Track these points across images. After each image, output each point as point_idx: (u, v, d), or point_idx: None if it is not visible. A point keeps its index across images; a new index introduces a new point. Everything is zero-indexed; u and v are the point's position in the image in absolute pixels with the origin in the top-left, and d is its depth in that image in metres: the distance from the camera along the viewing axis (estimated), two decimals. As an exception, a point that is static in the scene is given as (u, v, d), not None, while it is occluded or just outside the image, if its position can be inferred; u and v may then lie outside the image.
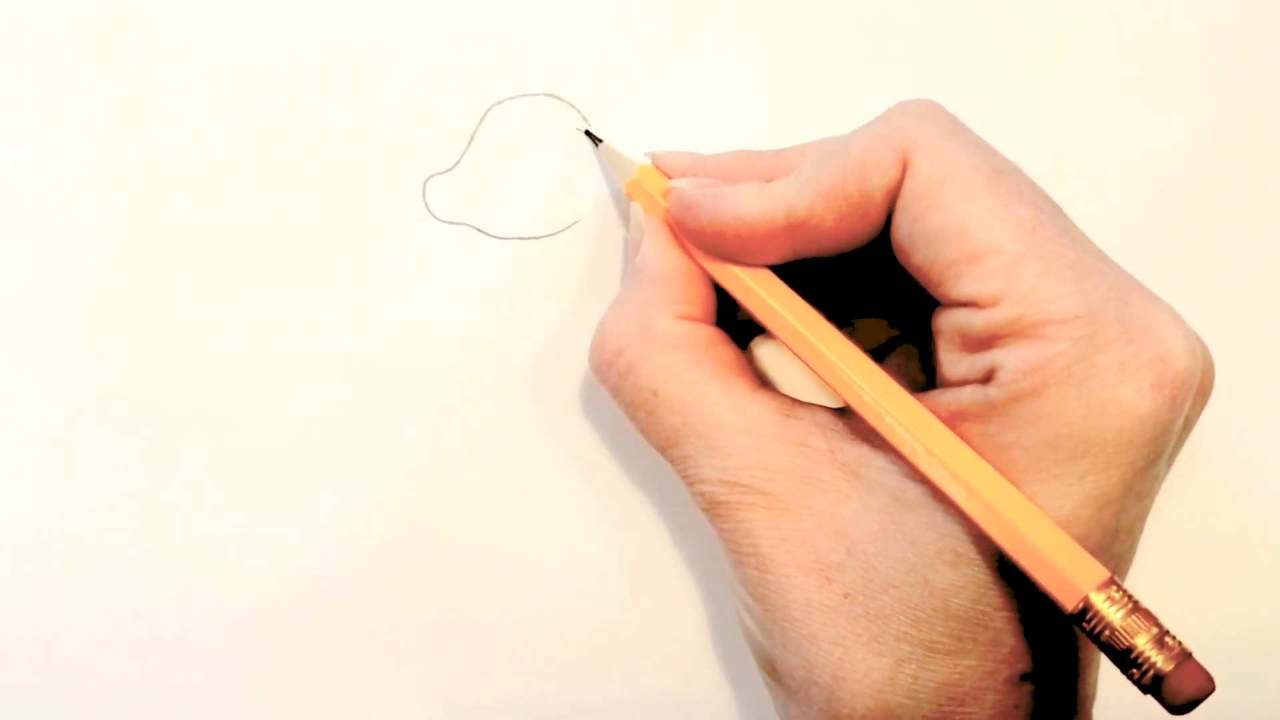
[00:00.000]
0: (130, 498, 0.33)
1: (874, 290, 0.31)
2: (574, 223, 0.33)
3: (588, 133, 0.33)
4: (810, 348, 0.27)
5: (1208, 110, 0.35)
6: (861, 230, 0.26)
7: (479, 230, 0.33)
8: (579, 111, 0.33)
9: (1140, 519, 0.26)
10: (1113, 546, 0.25)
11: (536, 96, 0.33)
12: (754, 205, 0.27)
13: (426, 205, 0.33)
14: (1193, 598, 0.35)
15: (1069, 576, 0.23)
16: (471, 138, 0.33)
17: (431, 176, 0.33)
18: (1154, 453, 0.24)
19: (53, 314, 0.32)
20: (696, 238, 0.29)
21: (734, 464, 0.27)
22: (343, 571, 0.34)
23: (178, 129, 0.32)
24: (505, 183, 0.33)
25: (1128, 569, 0.26)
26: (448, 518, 0.34)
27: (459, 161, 0.33)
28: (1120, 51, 0.34)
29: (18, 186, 0.32)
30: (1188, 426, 0.26)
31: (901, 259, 0.26)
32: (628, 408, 0.29)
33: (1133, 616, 0.22)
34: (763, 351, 0.30)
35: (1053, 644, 0.26)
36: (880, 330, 0.32)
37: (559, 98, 0.33)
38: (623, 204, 0.33)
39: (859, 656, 0.25)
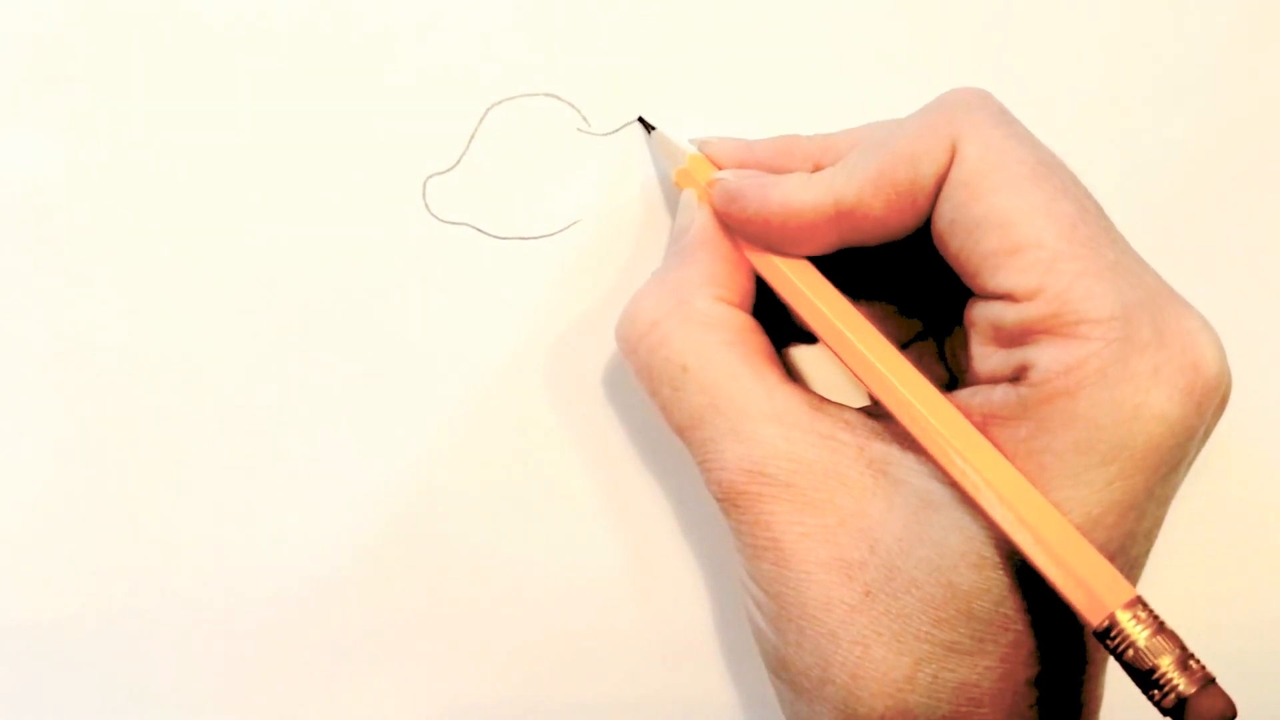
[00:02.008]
0: (131, 498, 0.33)
1: (899, 282, 0.30)
2: (574, 223, 0.33)
3: (641, 119, 0.32)
4: (848, 345, 0.27)
5: (1206, 111, 0.34)
6: (909, 218, 0.26)
7: (479, 230, 0.33)
8: (579, 111, 0.33)
9: (1158, 524, 0.25)
10: (1130, 550, 0.25)
11: (536, 96, 0.32)
12: (801, 194, 0.27)
13: (426, 205, 0.32)
14: (1195, 596, 0.35)
15: (1096, 593, 0.23)
16: (471, 138, 0.32)
17: (431, 176, 0.32)
18: (1178, 459, 0.24)
19: (54, 314, 0.32)
20: (743, 227, 0.28)
21: (759, 452, 0.26)
22: (343, 571, 0.34)
23: (177, 129, 0.32)
24: (505, 183, 0.33)
25: (1140, 572, 0.26)
26: (446, 516, 0.34)
27: (459, 161, 0.32)
28: (1118, 51, 0.34)
29: (18, 186, 0.31)
30: (1207, 433, 0.25)
31: (939, 246, 0.26)
32: (653, 383, 0.28)
33: (1158, 637, 0.22)
34: (796, 352, 0.29)
35: (1065, 646, 0.26)
36: (902, 324, 0.31)
37: (559, 97, 0.32)
38: (670, 191, 0.33)
39: (879, 655, 0.25)
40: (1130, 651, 0.22)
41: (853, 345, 0.26)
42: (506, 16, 0.32)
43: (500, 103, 0.32)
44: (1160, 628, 0.22)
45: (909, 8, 0.33)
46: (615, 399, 0.34)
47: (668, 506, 0.34)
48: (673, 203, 0.33)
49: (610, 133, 0.33)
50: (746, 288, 0.29)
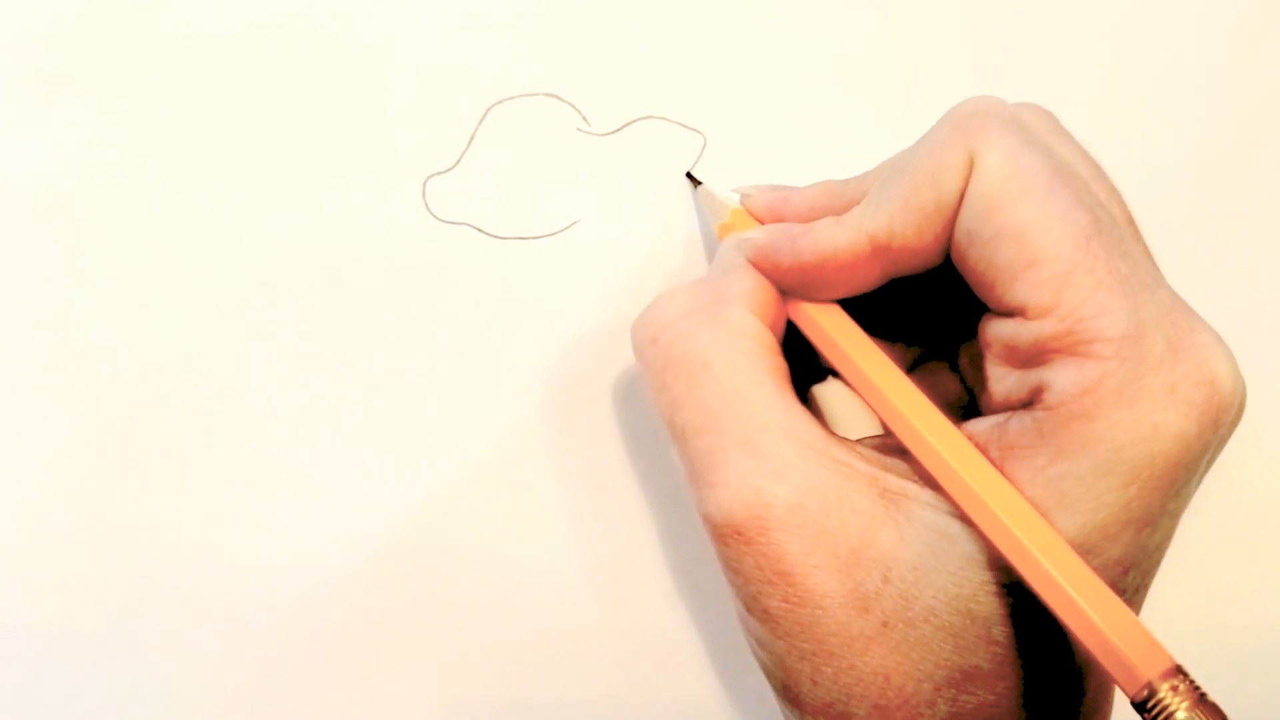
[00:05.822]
0: (131, 499, 0.32)
1: (916, 296, 0.29)
2: (574, 223, 0.32)
3: (689, 175, 0.32)
4: (876, 394, 0.26)
5: (1205, 112, 0.34)
6: (944, 239, 0.25)
7: (479, 230, 0.32)
8: (579, 111, 0.32)
9: (1169, 536, 0.25)
10: (1142, 563, 0.24)
11: (536, 96, 0.31)
12: (833, 238, 0.26)
13: (426, 205, 0.32)
14: (1194, 597, 0.35)
15: (1133, 662, 0.22)
16: (471, 138, 0.31)
17: (431, 176, 0.31)
18: (1192, 474, 0.23)
19: (55, 314, 0.31)
20: (782, 279, 0.27)
21: (768, 467, 0.24)
22: (343, 572, 0.33)
23: (178, 130, 0.31)
24: (505, 183, 0.32)
25: (1151, 581, 0.26)
26: (445, 517, 0.33)
27: (459, 161, 0.31)
28: (1117, 52, 0.34)
29: (19, 187, 0.31)
30: (1221, 446, 0.25)
31: (956, 259, 0.25)
32: (667, 376, 0.26)
33: (1197, 710, 0.21)
34: (819, 391, 0.28)
35: (1073, 665, 0.25)
36: (917, 338, 0.31)
37: (559, 97, 0.32)
38: (712, 242, 0.32)
39: (899, 684, 0.24)
40: None
41: (882, 394, 0.26)
42: (506, 17, 0.31)
43: (500, 103, 0.31)
44: (1200, 699, 0.21)
45: (913, 12, 0.33)
46: (615, 399, 0.33)
47: (665, 507, 0.34)
48: (713, 252, 0.32)
49: (610, 133, 0.32)
50: (778, 318, 0.27)
